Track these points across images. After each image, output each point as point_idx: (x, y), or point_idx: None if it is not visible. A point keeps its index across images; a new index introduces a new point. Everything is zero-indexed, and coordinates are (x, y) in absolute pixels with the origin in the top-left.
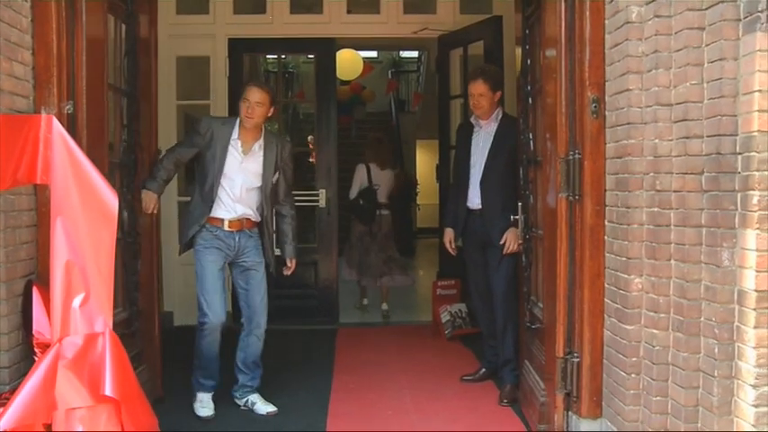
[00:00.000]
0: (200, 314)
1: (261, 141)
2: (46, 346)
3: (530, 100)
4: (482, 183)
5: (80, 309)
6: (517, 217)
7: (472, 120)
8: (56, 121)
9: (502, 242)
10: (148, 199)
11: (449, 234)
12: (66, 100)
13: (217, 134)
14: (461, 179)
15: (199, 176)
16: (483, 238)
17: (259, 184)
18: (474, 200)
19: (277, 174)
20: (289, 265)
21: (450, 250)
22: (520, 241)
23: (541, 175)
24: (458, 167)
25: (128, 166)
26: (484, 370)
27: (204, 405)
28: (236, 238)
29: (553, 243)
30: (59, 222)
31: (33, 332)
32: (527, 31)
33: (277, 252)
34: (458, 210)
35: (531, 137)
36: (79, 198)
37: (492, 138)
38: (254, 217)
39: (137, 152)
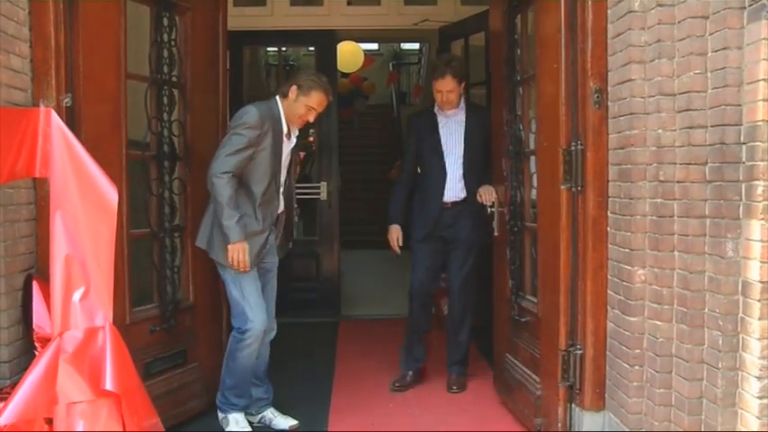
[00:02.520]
0: (241, 320)
1: (294, 126)
2: (46, 341)
3: (520, 90)
4: (466, 174)
5: (80, 303)
6: (494, 209)
7: (436, 110)
8: (54, 115)
9: (479, 197)
10: (238, 251)
11: (396, 231)
12: (65, 93)
13: (269, 124)
14: (430, 173)
15: (242, 177)
16: (452, 234)
17: (287, 168)
18: (455, 193)
19: None
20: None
21: (395, 249)
22: (493, 198)
23: (538, 166)
24: (422, 160)
25: (165, 159)
26: (411, 373)
27: (241, 425)
28: (267, 236)
29: (551, 235)
30: (59, 216)
31: (34, 326)
32: (515, 20)
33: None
34: (419, 207)
35: (520, 127)
36: (78, 192)
37: (464, 127)
38: (280, 209)
39: (178, 145)
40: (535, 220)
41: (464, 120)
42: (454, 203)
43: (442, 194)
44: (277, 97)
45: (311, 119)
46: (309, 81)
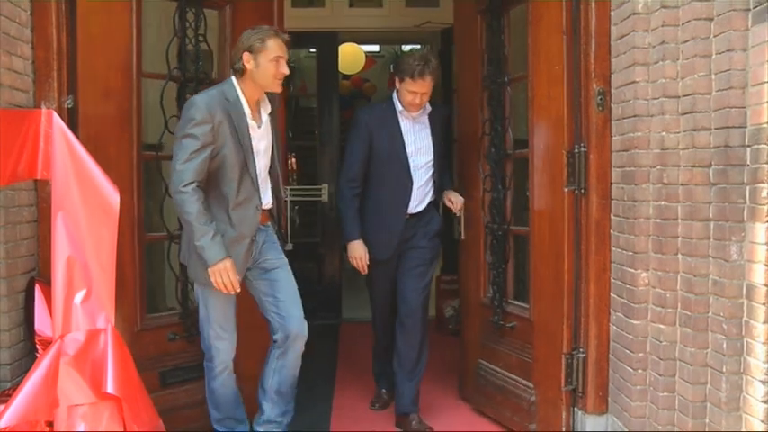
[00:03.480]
0: (205, 346)
1: (264, 102)
2: (48, 344)
3: (507, 90)
4: (436, 181)
5: (82, 305)
6: (460, 214)
7: (400, 110)
8: (56, 116)
9: (449, 203)
10: (222, 273)
11: (360, 248)
12: (67, 94)
13: (222, 112)
14: (390, 181)
15: (212, 181)
16: (410, 246)
17: (270, 155)
18: (419, 203)
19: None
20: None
21: (361, 268)
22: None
23: (533, 169)
24: (377, 166)
25: None
26: (385, 391)
27: None
28: (256, 237)
29: (552, 238)
30: (60, 218)
31: (35, 329)
32: (499, 20)
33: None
34: (375, 221)
35: (507, 128)
36: (80, 194)
37: (429, 129)
38: (270, 204)
39: None
40: (520, 223)
41: (428, 121)
42: (414, 213)
43: (407, 205)
44: (231, 78)
45: (286, 70)
46: (256, 36)
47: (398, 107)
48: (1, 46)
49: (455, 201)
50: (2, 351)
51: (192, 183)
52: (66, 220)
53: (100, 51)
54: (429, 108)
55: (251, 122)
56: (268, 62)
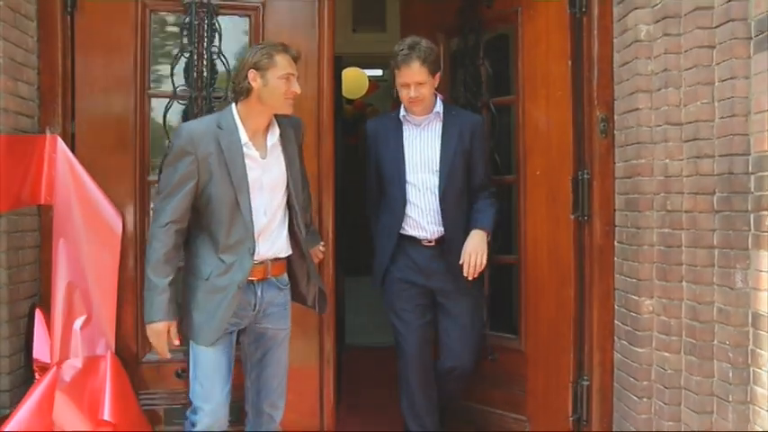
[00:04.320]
0: (193, 407)
1: (273, 128)
2: (46, 370)
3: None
4: (442, 202)
5: (81, 331)
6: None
7: (402, 115)
8: (60, 141)
9: (462, 262)
10: (155, 335)
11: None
12: (72, 119)
13: (209, 143)
14: (392, 200)
15: (202, 219)
16: (438, 284)
17: (284, 190)
18: (428, 227)
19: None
20: (322, 248)
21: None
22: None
23: (527, 196)
24: (383, 180)
25: None
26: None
27: None
28: (259, 293)
29: (547, 266)
30: (61, 243)
31: (33, 356)
32: (478, 42)
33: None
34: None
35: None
36: (82, 219)
37: (440, 138)
38: (285, 251)
39: None
40: (506, 252)
41: (441, 128)
42: (438, 240)
43: (401, 225)
44: (231, 104)
45: (297, 88)
46: (263, 52)
47: (402, 112)
48: (7, 72)
49: (469, 259)
50: (2, 377)
51: (169, 223)
52: (67, 245)
53: (99, 73)
54: (439, 110)
55: (250, 152)
56: (277, 79)
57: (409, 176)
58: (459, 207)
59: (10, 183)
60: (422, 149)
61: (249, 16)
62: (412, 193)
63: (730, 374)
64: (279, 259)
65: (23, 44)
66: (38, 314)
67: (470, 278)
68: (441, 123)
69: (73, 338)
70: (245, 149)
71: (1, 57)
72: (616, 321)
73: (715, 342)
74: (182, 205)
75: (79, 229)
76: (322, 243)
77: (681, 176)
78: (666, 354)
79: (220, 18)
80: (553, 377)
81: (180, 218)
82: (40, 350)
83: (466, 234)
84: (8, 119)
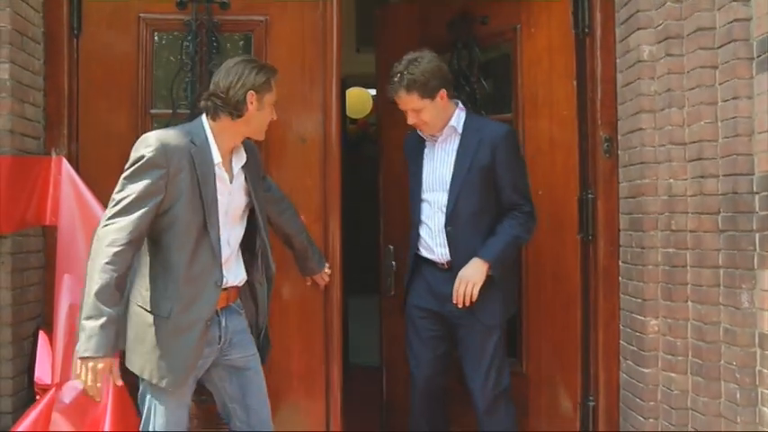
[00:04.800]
0: None
1: (238, 152)
2: (46, 391)
3: None
4: (447, 224)
5: None
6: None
7: (421, 133)
8: (65, 163)
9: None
10: (89, 370)
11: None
12: (77, 141)
13: (182, 158)
14: (412, 218)
15: (158, 243)
16: (451, 310)
17: (245, 218)
18: (436, 249)
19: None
20: (328, 271)
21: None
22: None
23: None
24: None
25: None
26: None
27: None
28: (223, 323)
29: (551, 288)
30: (64, 264)
31: (35, 378)
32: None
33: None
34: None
35: None
36: (86, 240)
37: (455, 157)
38: (242, 276)
39: None
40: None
41: (457, 146)
42: (446, 263)
43: (418, 246)
44: (201, 118)
45: (275, 116)
46: (264, 75)
47: None
48: (14, 94)
49: (458, 286)
50: (4, 399)
51: (126, 243)
52: (71, 266)
53: (102, 93)
54: (456, 123)
55: (221, 174)
56: (269, 105)
57: (424, 194)
58: (474, 229)
59: (15, 204)
60: (436, 167)
61: (251, 34)
62: (425, 213)
63: (738, 395)
64: (233, 287)
65: (30, 66)
66: (41, 335)
67: (459, 306)
68: (458, 138)
69: (74, 360)
70: (216, 170)
71: (8, 79)
72: (621, 341)
73: (722, 362)
74: (142, 223)
75: (83, 251)
76: (327, 266)
77: (685, 196)
78: (673, 374)
79: (222, 36)
80: (558, 398)
81: (138, 237)
82: (42, 371)
83: None
84: (14, 140)
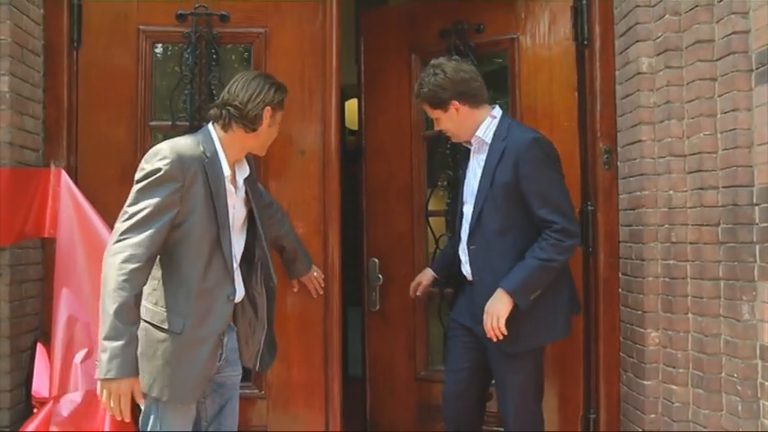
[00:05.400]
0: None
1: (241, 164)
2: (44, 404)
3: None
4: (470, 242)
5: (82, 365)
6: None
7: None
8: (64, 175)
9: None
10: (115, 393)
11: (423, 275)
12: (76, 153)
13: (197, 170)
14: (457, 223)
15: (170, 257)
16: (480, 328)
17: (245, 231)
18: (464, 265)
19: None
20: (317, 275)
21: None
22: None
23: None
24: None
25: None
26: None
27: None
28: (225, 340)
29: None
30: (63, 277)
31: (33, 391)
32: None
33: None
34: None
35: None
36: (84, 252)
37: (482, 170)
38: (243, 291)
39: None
40: None
41: (485, 159)
42: (472, 281)
43: (460, 260)
44: (209, 127)
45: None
46: (280, 92)
47: None
48: (13, 107)
49: (485, 320)
50: (2, 412)
51: (140, 259)
52: (69, 278)
53: (102, 105)
54: (483, 134)
55: (229, 187)
56: (278, 123)
57: (463, 208)
58: (497, 248)
59: (14, 216)
60: (470, 179)
61: (251, 46)
62: (462, 227)
63: (739, 408)
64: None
65: (30, 78)
66: (39, 348)
67: (494, 340)
68: (487, 150)
69: (73, 373)
70: (226, 183)
71: (8, 91)
72: (621, 353)
73: (723, 375)
74: (158, 238)
75: (81, 263)
76: (315, 268)
77: (685, 208)
78: (673, 386)
79: (221, 47)
80: (561, 412)
81: (155, 253)
82: (40, 384)
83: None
84: (13, 152)
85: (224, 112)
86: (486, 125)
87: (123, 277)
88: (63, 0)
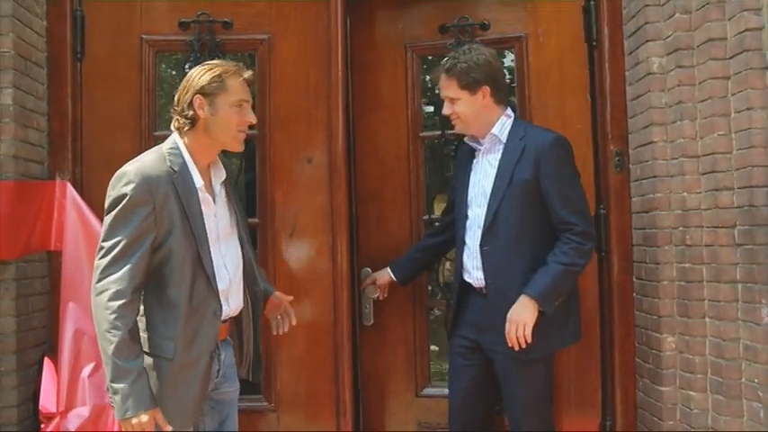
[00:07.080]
0: None
1: (216, 167)
2: (51, 419)
3: None
4: (483, 244)
5: (89, 379)
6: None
7: (466, 139)
8: (70, 187)
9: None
10: (147, 427)
11: (379, 275)
12: (81, 165)
13: (166, 186)
14: (457, 228)
15: (154, 282)
16: (489, 340)
17: (235, 240)
18: (473, 272)
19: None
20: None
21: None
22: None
23: None
24: (449, 210)
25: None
26: None
27: None
28: (222, 355)
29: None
30: (69, 290)
31: (40, 406)
32: None
33: None
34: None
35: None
36: (90, 265)
37: (496, 171)
38: (240, 304)
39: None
40: None
41: (499, 159)
42: (482, 288)
43: (461, 267)
44: (173, 136)
45: (251, 117)
46: (212, 75)
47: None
48: (17, 119)
49: (509, 329)
50: (9, 428)
51: (132, 294)
52: (76, 291)
53: (106, 116)
54: (498, 132)
55: (204, 197)
56: (229, 108)
57: (468, 210)
58: (513, 250)
59: (20, 229)
60: (479, 180)
61: (255, 52)
62: (467, 231)
63: (761, 414)
64: (228, 318)
65: (34, 91)
66: (46, 362)
67: (516, 348)
68: (502, 148)
69: (80, 387)
70: (200, 194)
71: (12, 104)
72: (637, 359)
73: (743, 380)
74: (141, 268)
75: (88, 276)
76: (276, 292)
77: (699, 210)
78: (692, 392)
79: (225, 55)
80: (581, 419)
81: (140, 283)
82: (47, 399)
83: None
84: (18, 165)
85: (173, 119)
86: (501, 123)
87: (113, 316)
88: (66, 11)
